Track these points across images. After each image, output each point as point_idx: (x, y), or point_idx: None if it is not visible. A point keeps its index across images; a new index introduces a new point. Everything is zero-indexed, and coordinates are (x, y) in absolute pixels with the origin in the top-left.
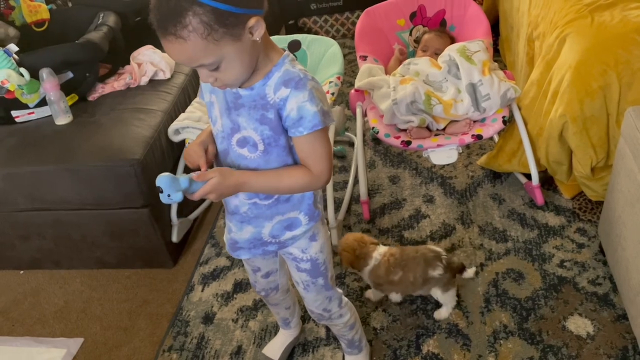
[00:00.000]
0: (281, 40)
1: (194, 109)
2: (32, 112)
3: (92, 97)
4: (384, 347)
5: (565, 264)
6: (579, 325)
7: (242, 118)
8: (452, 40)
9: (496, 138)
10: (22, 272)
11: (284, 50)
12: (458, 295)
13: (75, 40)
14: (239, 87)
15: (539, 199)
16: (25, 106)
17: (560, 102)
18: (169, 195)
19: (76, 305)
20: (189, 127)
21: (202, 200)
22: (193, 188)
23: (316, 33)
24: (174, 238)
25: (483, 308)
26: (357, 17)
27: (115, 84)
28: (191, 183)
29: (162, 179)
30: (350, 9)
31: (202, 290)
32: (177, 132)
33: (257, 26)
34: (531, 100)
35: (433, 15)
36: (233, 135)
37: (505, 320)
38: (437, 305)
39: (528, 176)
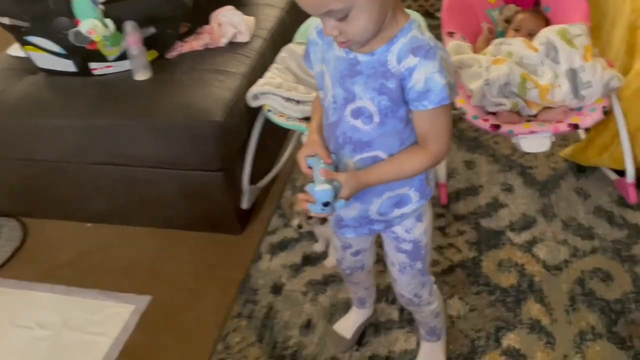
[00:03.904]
0: None
1: (273, 75)
2: (110, 66)
3: (171, 54)
4: (461, 336)
5: None
6: None
7: (358, 86)
8: (547, 22)
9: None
10: (89, 225)
11: (410, 15)
12: (541, 290)
13: None
14: (357, 51)
15: (632, 197)
16: (103, 59)
17: None
18: (332, 207)
19: (144, 263)
20: (268, 92)
21: (270, 168)
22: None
23: None
24: (244, 205)
25: (568, 307)
26: None
27: (194, 43)
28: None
29: (325, 194)
30: None
31: (270, 260)
32: (255, 97)
33: None
34: (634, 92)
35: None
36: (346, 106)
37: (593, 321)
38: (517, 298)
39: (618, 172)
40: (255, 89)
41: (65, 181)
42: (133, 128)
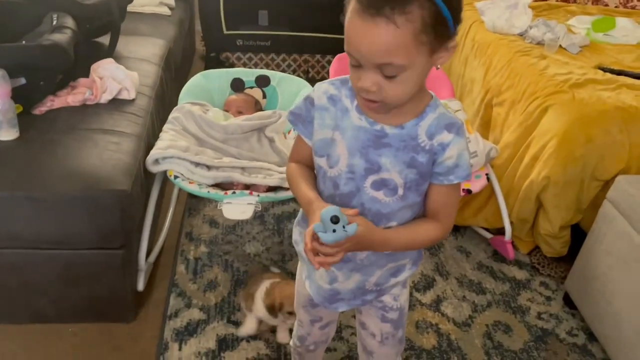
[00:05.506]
0: (248, 74)
1: (173, 137)
2: None
3: (40, 110)
4: None
5: (542, 316)
6: None
7: (385, 159)
8: None
9: None
10: None
11: (431, 93)
12: (460, 348)
13: (11, 42)
14: (384, 123)
15: (511, 253)
16: None
17: (544, 165)
18: (343, 227)
19: None
20: (172, 157)
21: (153, 239)
22: (346, 230)
23: None
24: (140, 285)
25: None
26: (282, 60)
27: (69, 98)
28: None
29: (329, 210)
30: (276, 51)
31: (180, 349)
32: (156, 161)
33: (451, 51)
34: (504, 161)
35: None
36: (367, 177)
37: None
38: (443, 359)
39: (488, 230)
40: (157, 152)
41: None
42: (7, 201)
